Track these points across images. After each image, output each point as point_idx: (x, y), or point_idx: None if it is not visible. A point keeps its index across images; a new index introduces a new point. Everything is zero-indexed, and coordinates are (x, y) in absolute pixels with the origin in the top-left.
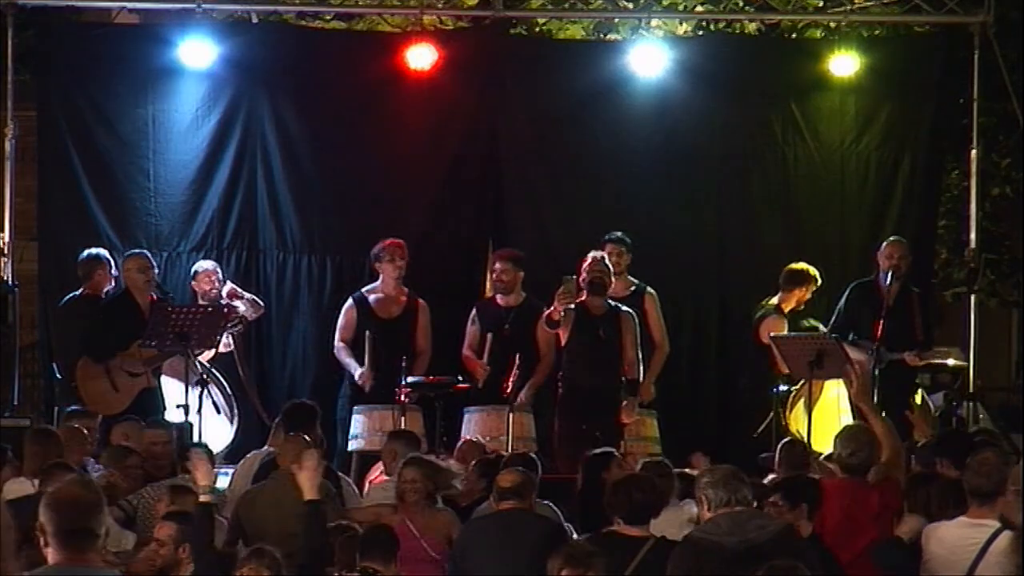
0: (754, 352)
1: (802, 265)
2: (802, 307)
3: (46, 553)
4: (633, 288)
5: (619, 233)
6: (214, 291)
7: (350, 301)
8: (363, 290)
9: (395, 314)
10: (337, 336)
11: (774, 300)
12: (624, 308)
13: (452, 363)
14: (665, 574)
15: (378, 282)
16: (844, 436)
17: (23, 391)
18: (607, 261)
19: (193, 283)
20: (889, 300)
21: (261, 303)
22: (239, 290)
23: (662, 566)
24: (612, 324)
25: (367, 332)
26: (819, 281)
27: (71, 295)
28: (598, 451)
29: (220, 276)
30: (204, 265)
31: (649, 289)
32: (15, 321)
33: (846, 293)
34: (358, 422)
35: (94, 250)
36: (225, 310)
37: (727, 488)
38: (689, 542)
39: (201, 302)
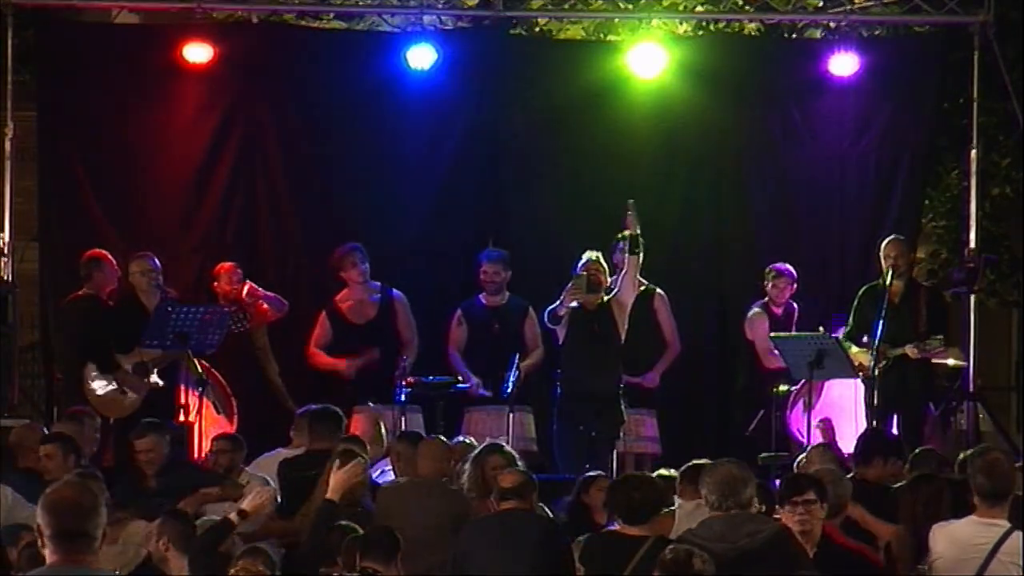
0: (749, 351)
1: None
2: (783, 303)
3: (44, 554)
4: (643, 288)
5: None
6: (235, 291)
7: (323, 313)
8: (335, 300)
9: (371, 316)
10: (312, 344)
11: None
12: (611, 296)
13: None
14: None
15: (346, 289)
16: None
17: (23, 391)
18: (601, 260)
19: (215, 284)
20: (895, 298)
21: (284, 301)
22: (259, 289)
23: None
24: (606, 319)
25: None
26: (791, 276)
27: (73, 295)
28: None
29: (240, 275)
30: (224, 266)
31: (659, 289)
32: (15, 321)
33: (857, 297)
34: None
35: (96, 251)
36: (229, 311)
37: (723, 491)
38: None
39: (223, 303)
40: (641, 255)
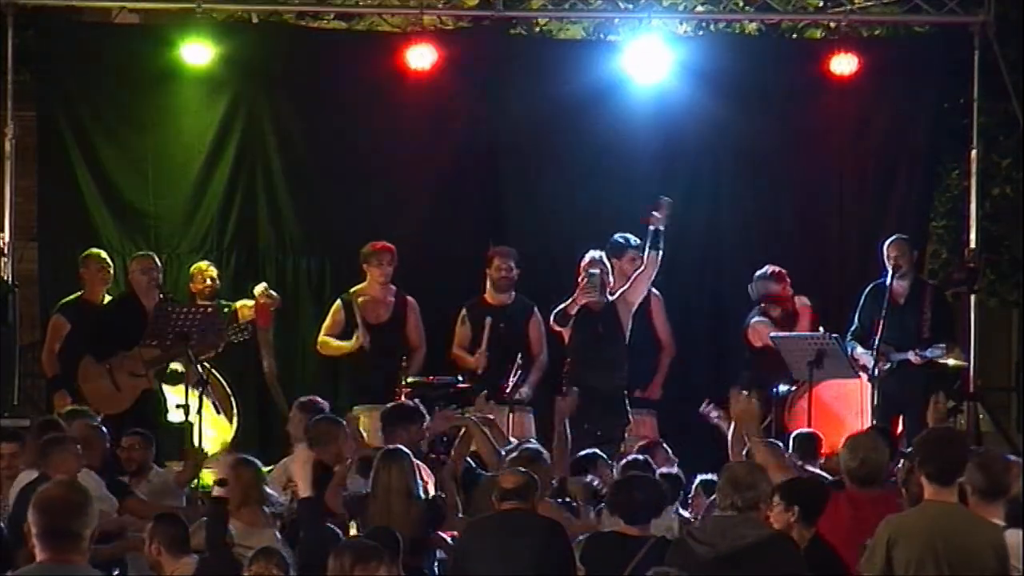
0: (751, 353)
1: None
2: (786, 308)
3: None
4: None
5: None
6: (208, 290)
7: (339, 302)
8: (351, 291)
9: (384, 318)
10: (322, 333)
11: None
12: (614, 297)
13: (452, 363)
14: None
15: (365, 283)
16: (850, 444)
17: (23, 391)
18: (605, 260)
19: (190, 284)
20: (899, 299)
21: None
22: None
23: (661, 566)
24: (611, 319)
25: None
26: (782, 275)
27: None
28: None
29: (214, 274)
30: (198, 265)
31: (655, 291)
32: (15, 321)
33: (863, 295)
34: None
35: (89, 251)
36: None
37: (726, 490)
38: (678, 544)
39: (200, 303)
40: (660, 253)
